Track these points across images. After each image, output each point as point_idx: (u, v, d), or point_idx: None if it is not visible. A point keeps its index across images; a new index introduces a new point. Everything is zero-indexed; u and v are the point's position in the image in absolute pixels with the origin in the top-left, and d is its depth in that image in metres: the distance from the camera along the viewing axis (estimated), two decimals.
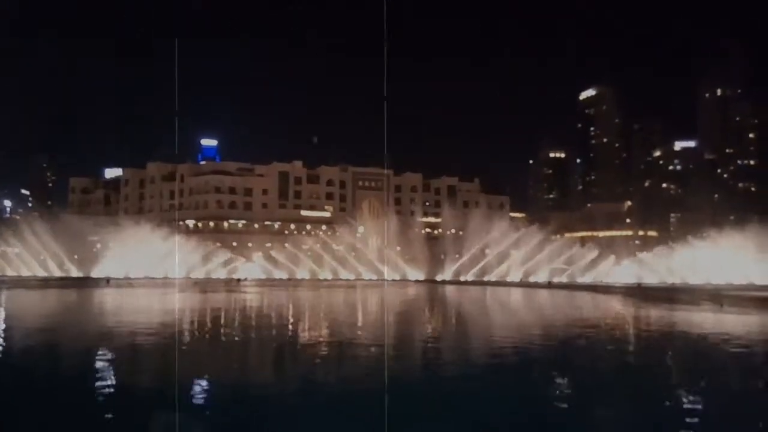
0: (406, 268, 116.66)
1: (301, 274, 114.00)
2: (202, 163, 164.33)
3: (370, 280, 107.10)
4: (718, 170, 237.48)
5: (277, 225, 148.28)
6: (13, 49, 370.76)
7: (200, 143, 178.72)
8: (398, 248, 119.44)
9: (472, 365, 17.24)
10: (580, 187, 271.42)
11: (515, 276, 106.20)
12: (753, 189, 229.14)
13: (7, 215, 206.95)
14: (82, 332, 23.85)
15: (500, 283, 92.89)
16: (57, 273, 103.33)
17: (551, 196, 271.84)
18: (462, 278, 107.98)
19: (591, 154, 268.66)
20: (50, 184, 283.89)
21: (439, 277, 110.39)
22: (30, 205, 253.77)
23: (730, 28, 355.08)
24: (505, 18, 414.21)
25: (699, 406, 13.06)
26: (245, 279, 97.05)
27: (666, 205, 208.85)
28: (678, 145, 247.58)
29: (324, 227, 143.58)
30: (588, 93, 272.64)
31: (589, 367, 17.67)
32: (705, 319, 33.39)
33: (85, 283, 75.72)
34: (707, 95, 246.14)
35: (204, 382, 14.79)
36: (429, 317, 36.25)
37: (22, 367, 16.76)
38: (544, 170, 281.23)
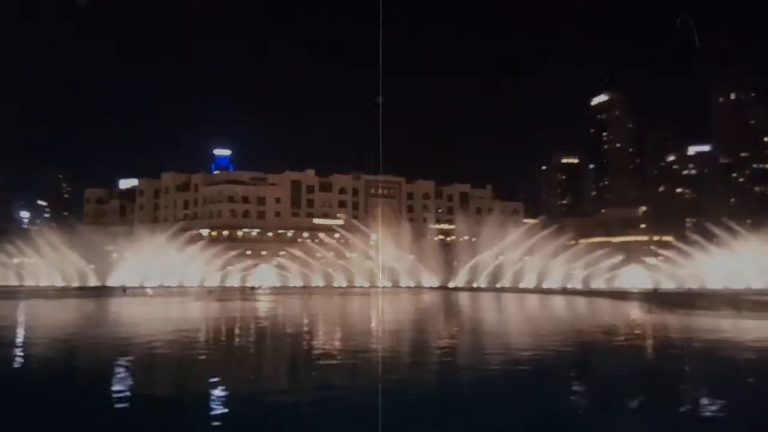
0: (420, 275, 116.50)
1: (316, 281, 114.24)
2: (216, 172, 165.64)
3: (385, 287, 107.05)
4: (734, 174, 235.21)
5: (290, 233, 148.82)
6: (27, 60, 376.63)
7: (213, 153, 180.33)
8: (412, 255, 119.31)
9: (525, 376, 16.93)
10: (594, 193, 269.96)
11: (529, 282, 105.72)
12: None
13: (25, 226, 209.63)
14: (122, 343, 24.04)
15: (514, 290, 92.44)
16: (74, 283, 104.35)
17: (565, 201, 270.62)
18: (474, 285, 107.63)
19: (604, 160, 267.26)
20: (66, 195, 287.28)
21: (451, 284, 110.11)
22: (47, 215, 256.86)
23: (745, 31, 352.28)
24: (518, 22, 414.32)
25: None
26: (259, 287, 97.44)
27: (681, 209, 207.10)
28: (692, 150, 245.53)
29: (337, 235, 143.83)
30: (600, 98, 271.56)
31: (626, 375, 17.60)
32: (723, 325, 33.06)
33: (102, 292, 76.43)
34: (721, 99, 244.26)
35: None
36: (459, 325, 36.18)
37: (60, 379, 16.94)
38: (558, 176, 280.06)
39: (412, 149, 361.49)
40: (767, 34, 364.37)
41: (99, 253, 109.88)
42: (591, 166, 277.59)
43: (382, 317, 40.56)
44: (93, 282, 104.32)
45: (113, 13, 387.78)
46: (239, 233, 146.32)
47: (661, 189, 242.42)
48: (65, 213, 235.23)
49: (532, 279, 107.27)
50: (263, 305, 50.07)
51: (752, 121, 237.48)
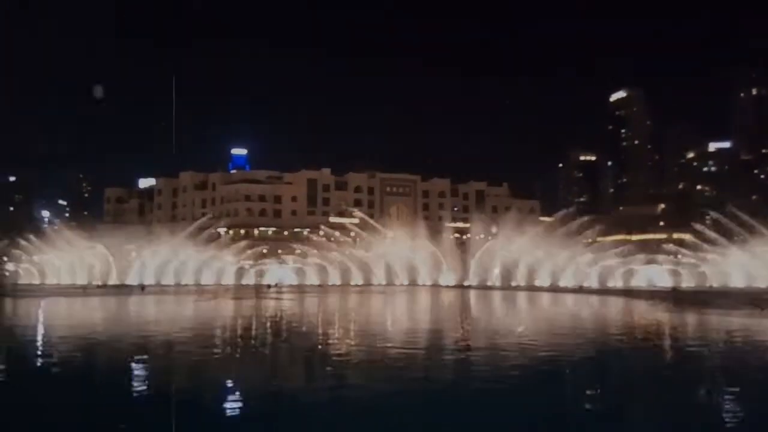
0: (437, 274, 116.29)
1: (333, 279, 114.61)
2: (233, 171, 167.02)
3: (402, 285, 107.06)
4: (755, 171, 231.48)
5: (306, 231, 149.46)
6: (46, 61, 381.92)
7: (231, 152, 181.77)
8: (429, 254, 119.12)
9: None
10: (612, 191, 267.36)
11: (544, 281, 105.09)
12: None
13: (45, 225, 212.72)
14: (152, 342, 24.35)
15: (530, 288, 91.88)
16: (95, 281, 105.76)
17: (582, 199, 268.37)
18: (489, 283, 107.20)
19: (622, 157, 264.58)
20: (86, 195, 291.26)
21: (466, 283, 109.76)
22: (67, 215, 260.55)
23: (766, 26, 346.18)
24: (535, 20, 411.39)
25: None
26: (275, 285, 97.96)
27: (701, 207, 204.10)
28: (712, 146, 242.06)
29: (353, 233, 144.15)
30: (618, 95, 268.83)
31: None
32: (744, 324, 32.61)
33: (121, 290, 77.39)
34: (743, 94, 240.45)
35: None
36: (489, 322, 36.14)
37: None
38: (575, 174, 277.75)
39: (428, 147, 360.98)
40: None
41: (119, 252, 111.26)
42: (609, 163, 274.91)
43: (414, 317, 40.59)
44: (112, 280, 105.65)
45: (133, 13, 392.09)
46: (256, 232, 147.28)
47: (680, 186, 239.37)
48: (85, 212, 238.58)
49: (548, 278, 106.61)
50: (284, 303, 50.32)
51: None
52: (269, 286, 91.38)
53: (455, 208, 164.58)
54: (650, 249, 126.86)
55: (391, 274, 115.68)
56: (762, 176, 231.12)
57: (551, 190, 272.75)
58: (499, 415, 11.77)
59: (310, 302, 53.18)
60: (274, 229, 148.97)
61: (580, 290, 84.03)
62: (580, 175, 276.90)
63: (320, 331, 29.47)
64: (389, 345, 22.57)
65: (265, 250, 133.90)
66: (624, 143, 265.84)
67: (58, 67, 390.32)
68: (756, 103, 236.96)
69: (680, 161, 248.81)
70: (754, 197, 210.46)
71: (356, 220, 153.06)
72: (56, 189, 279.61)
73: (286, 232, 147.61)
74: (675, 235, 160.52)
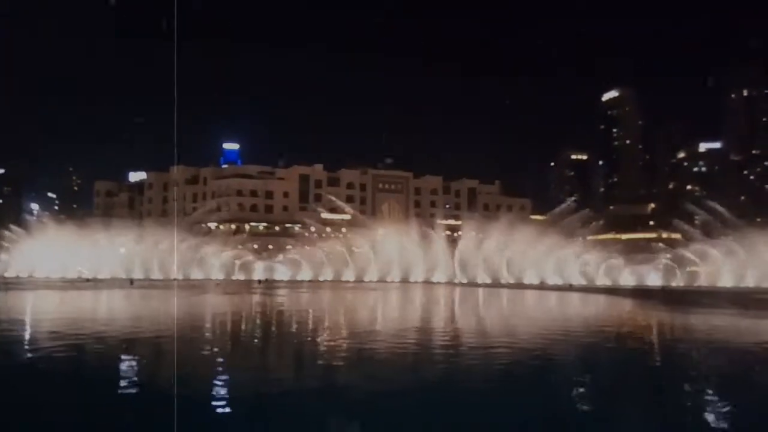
0: (429, 271, 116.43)
1: (325, 275, 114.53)
2: (225, 166, 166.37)
3: (393, 281, 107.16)
4: (745, 172, 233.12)
5: (297, 227, 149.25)
6: (35, 51, 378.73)
7: (222, 147, 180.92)
8: (420, 251, 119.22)
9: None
10: (603, 190, 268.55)
11: (533, 278, 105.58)
12: None
13: (34, 218, 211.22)
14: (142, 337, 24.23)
15: (519, 286, 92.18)
16: (84, 274, 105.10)
17: (573, 198, 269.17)
18: (479, 281, 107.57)
19: (613, 156, 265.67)
20: (76, 188, 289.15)
21: (456, 280, 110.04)
22: (56, 208, 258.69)
23: (758, 27, 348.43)
24: (527, 18, 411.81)
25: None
26: (266, 280, 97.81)
27: (690, 207, 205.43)
28: (703, 147, 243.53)
29: (344, 230, 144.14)
30: (610, 94, 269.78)
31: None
32: (728, 323, 32.88)
33: (110, 284, 76.98)
34: (733, 95, 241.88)
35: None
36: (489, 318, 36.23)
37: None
38: (566, 172, 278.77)
39: (420, 144, 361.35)
40: None
41: (108, 246, 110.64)
42: (600, 162, 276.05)
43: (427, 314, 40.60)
44: (102, 274, 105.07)
45: (124, 5, 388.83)
46: (247, 227, 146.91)
47: (670, 186, 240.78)
48: (74, 205, 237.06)
49: (537, 275, 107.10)
50: (272, 300, 50.21)
51: (765, 118, 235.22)
52: (259, 282, 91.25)
53: (447, 206, 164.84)
54: (640, 248, 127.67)
55: (382, 271, 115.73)
56: (751, 177, 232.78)
57: (543, 188, 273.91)
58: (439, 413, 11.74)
59: (300, 299, 53.11)
60: (265, 224, 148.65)
61: (569, 288, 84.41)
62: (572, 173, 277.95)
63: (306, 327, 29.45)
64: (356, 343, 22.48)
65: (256, 246, 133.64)
66: (615, 143, 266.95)
67: (50, 60, 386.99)
68: (746, 104, 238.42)
69: (671, 161, 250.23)
70: (742, 198, 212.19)
71: (348, 217, 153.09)
72: (46, 181, 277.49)
73: (277, 228, 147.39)
74: (664, 235, 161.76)
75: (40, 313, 35.73)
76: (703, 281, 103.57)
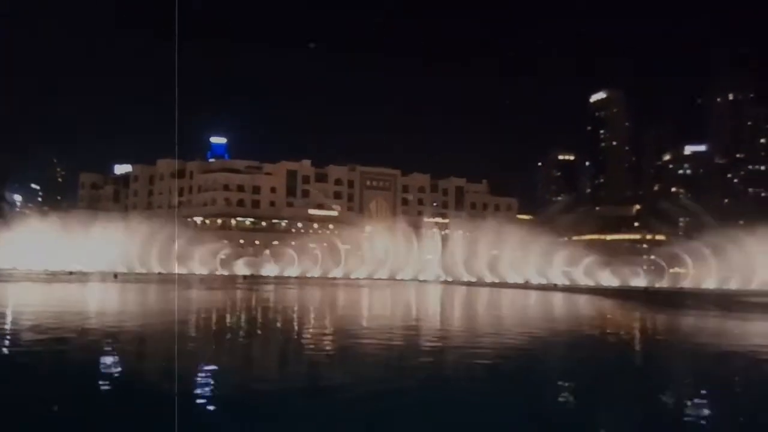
0: (416, 269, 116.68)
1: (311, 272, 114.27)
2: (211, 160, 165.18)
3: (381, 279, 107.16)
4: (729, 175, 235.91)
5: (284, 223, 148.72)
6: (23, 42, 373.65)
7: (210, 141, 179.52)
8: (409, 248, 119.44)
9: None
10: (589, 190, 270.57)
11: (517, 278, 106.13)
12: (763, 194, 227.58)
13: (18, 209, 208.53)
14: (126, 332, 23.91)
15: (505, 285, 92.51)
16: (67, 267, 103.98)
17: (559, 198, 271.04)
18: (465, 279, 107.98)
19: (600, 158, 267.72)
20: (60, 180, 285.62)
21: (442, 278, 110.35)
22: (40, 199, 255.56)
23: (744, 31, 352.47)
24: (517, 19, 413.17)
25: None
26: (251, 276, 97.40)
27: (675, 209, 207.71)
28: (688, 149, 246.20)
29: (331, 226, 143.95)
30: (598, 96, 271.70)
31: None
32: (708, 325, 33.20)
33: (94, 277, 76.18)
34: (719, 99, 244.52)
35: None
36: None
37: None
38: (553, 173, 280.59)
39: (408, 142, 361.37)
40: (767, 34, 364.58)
41: (92, 239, 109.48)
42: (587, 163, 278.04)
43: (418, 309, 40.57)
44: (85, 267, 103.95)
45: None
46: (233, 222, 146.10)
47: (656, 188, 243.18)
48: (59, 197, 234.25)
49: (522, 275, 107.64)
50: (255, 296, 49.95)
51: (749, 122, 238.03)
52: (244, 278, 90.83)
53: (435, 204, 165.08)
54: (624, 249, 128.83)
55: (370, 268, 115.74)
56: (735, 180, 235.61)
57: (530, 188, 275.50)
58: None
59: (284, 295, 52.87)
60: (252, 219, 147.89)
61: (553, 288, 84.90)
62: (559, 174, 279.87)
63: (288, 326, 29.32)
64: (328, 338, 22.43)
65: (242, 241, 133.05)
66: (602, 144, 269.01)
67: (35, 51, 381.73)
68: (732, 108, 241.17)
69: (656, 163, 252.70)
70: (726, 201, 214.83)
71: (335, 213, 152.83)
72: (29, 172, 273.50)
73: (264, 223, 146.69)
74: (649, 236, 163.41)
75: (21, 305, 35.22)
76: (686, 283, 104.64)
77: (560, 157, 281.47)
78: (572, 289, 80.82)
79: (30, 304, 36.26)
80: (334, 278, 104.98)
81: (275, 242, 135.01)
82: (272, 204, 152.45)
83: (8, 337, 20.49)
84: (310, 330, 26.02)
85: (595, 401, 13.29)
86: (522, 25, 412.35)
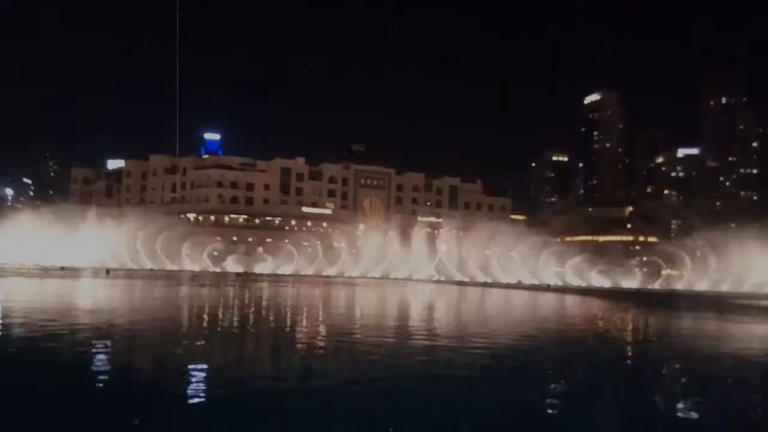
0: (409, 267, 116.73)
1: (304, 270, 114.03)
2: (205, 156, 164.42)
3: (374, 277, 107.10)
4: (721, 178, 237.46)
5: (278, 221, 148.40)
6: (16, 35, 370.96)
7: (203, 137, 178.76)
8: (401, 247, 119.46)
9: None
10: (582, 192, 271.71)
11: (510, 278, 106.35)
12: (755, 198, 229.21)
13: (9, 204, 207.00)
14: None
15: (497, 285, 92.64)
16: (59, 263, 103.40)
17: (553, 199, 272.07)
18: (458, 279, 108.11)
19: (594, 159, 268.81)
20: (52, 174, 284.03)
21: (435, 277, 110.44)
22: (32, 194, 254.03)
23: (737, 35, 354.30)
24: (511, 20, 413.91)
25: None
26: (244, 273, 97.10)
27: (667, 211, 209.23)
28: (681, 152, 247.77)
29: (325, 224, 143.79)
30: (592, 97, 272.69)
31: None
32: (705, 327, 33.33)
33: (85, 273, 75.73)
34: (712, 103, 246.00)
35: None
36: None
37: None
38: (547, 173, 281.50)
39: (403, 141, 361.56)
40: (761, 38, 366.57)
41: (85, 234, 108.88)
42: (580, 164, 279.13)
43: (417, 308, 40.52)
44: (77, 262, 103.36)
45: None
46: (226, 219, 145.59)
47: (648, 190, 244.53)
48: (50, 192, 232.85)
49: (515, 275, 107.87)
50: (252, 293, 49.77)
51: (742, 126, 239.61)
52: (237, 275, 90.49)
53: (428, 203, 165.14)
54: (617, 250, 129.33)
55: (363, 267, 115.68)
56: (727, 183, 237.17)
57: (523, 188, 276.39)
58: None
59: (277, 293, 52.74)
60: (245, 216, 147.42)
61: (546, 288, 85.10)
62: (552, 174, 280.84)
63: (280, 323, 29.23)
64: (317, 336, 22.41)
65: (235, 238, 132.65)
66: (596, 145, 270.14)
67: (29, 44, 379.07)
68: (724, 112, 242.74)
69: (649, 165, 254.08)
70: (718, 203, 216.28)
71: (329, 211, 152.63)
72: (21, 167, 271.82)
73: (257, 221, 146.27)
74: (641, 238, 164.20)
75: (8, 300, 34.92)
76: (679, 285, 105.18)
77: (554, 158, 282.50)
78: (564, 290, 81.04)
79: (26, 299, 35.96)
80: (327, 276, 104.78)
81: (268, 240, 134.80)
82: (266, 201, 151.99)
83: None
84: (304, 328, 25.93)
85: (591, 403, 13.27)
86: (517, 24, 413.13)
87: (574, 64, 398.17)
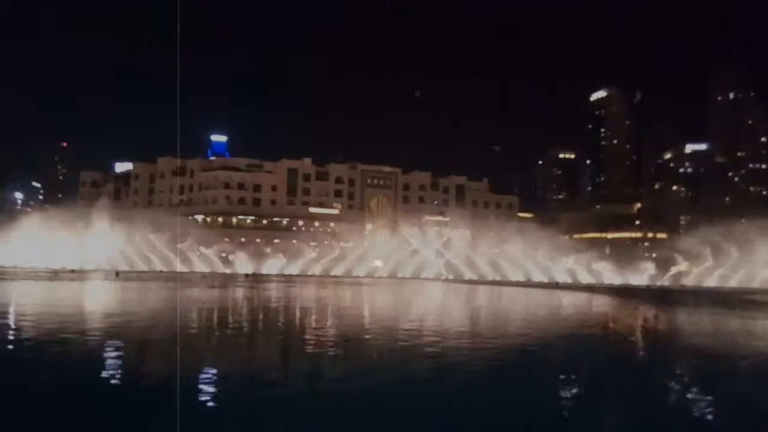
0: (416, 266, 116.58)
1: (312, 270, 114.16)
2: (212, 158, 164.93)
3: (382, 277, 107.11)
4: (730, 173, 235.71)
5: (285, 221, 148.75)
6: (24, 40, 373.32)
7: (210, 139, 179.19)
8: (407, 247, 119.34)
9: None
10: (590, 189, 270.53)
11: (519, 276, 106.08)
12: (764, 192, 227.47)
13: (18, 207, 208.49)
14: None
15: (506, 283, 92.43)
16: (68, 266, 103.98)
17: (560, 197, 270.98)
18: (466, 277, 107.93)
19: (601, 156, 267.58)
20: (61, 178, 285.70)
21: (443, 277, 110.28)
22: (41, 197, 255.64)
23: (744, 29, 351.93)
24: (511, 20, 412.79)
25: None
26: (253, 274, 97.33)
27: (676, 207, 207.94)
28: (689, 148, 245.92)
29: (332, 224, 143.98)
30: (598, 94, 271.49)
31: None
32: (719, 323, 33.16)
33: (95, 275, 76.15)
34: (719, 98, 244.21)
35: None
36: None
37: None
38: (554, 171, 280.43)
39: (410, 140, 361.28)
40: (763, 37, 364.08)
41: (94, 236, 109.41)
42: (587, 161, 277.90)
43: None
44: (87, 265, 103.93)
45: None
46: (234, 220, 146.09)
47: (656, 186, 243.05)
48: (59, 195, 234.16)
49: (524, 273, 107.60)
50: (265, 293, 49.92)
51: (750, 121, 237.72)
52: (246, 276, 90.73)
53: (435, 202, 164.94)
54: (626, 247, 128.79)
55: (370, 266, 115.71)
56: (736, 179, 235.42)
57: (530, 186, 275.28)
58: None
59: (290, 293, 52.86)
60: (252, 218, 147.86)
61: (555, 286, 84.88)
62: (559, 172, 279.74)
63: (297, 321, 29.32)
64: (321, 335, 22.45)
65: (243, 239, 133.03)
66: (603, 142, 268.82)
67: (35, 47, 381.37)
68: (732, 107, 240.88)
69: (657, 161, 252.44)
70: (727, 199, 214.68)
71: (336, 211, 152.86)
72: (30, 170, 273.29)
73: (265, 222, 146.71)
74: (650, 234, 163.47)
75: (23, 304, 35.18)
76: (688, 281, 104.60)
77: (561, 156, 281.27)
78: (573, 287, 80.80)
79: (43, 303, 36.21)
80: (335, 276, 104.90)
81: (276, 240, 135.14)
82: (273, 202, 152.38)
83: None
84: (325, 329, 25.99)
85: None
86: (517, 24, 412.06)
87: (574, 64, 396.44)
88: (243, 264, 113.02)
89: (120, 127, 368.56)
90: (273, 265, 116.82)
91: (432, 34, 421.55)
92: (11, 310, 29.91)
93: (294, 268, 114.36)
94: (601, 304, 48.02)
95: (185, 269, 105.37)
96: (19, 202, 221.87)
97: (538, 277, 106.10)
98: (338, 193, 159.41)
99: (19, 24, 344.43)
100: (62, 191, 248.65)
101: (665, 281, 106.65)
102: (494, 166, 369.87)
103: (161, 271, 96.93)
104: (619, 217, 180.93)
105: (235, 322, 27.62)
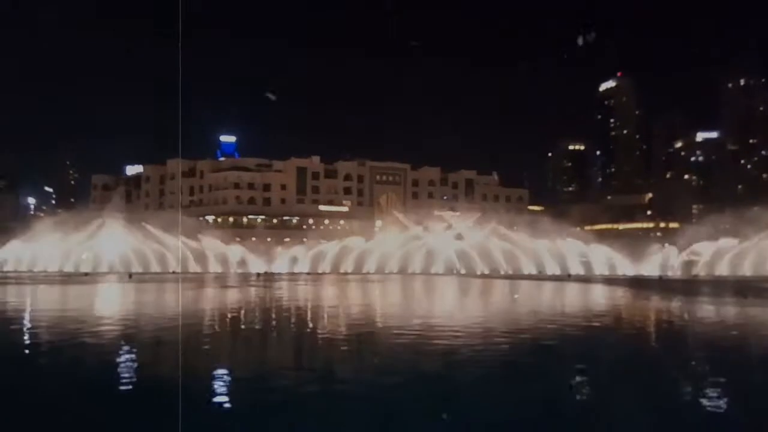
0: (427, 262, 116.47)
1: (323, 267, 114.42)
2: (221, 159, 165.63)
3: (392, 273, 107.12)
4: (742, 161, 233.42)
5: (295, 220, 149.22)
6: (32, 46, 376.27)
7: (219, 139, 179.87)
8: (419, 242, 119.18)
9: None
10: (600, 180, 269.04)
11: (531, 269, 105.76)
12: None
13: (31, 212, 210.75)
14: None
15: (517, 277, 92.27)
16: (81, 268, 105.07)
17: (571, 188, 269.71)
18: (478, 272, 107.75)
19: (611, 146, 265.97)
20: (73, 182, 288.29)
21: (454, 271, 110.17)
22: (53, 202, 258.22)
23: (754, 16, 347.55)
24: (511, 20, 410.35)
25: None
26: (265, 273, 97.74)
27: (688, 196, 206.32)
28: (700, 136, 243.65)
29: (342, 222, 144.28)
30: (608, 84, 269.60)
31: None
32: (727, 312, 32.97)
33: (108, 277, 76.84)
34: (730, 85, 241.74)
35: None
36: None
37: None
38: (564, 163, 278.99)
39: (417, 135, 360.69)
40: (764, 37, 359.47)
41: (106, 239, 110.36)
42: (597, 152, 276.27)
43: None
44: (100, 268, 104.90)
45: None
46: (244, 220, 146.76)
47: (668, 176, 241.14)
48: (72, 199, 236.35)
49: (536, 266, 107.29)
50: (272, 293, 50.17)
51: (761, 108, 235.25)
52: (258, 275, 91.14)
53: (445, 197, 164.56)
54: (637, 238, 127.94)
55: (381, 263, 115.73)
56: (748, 166, 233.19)
57: (540, 179, 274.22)
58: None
59: (304, 292, 53.09)
60: (263, 217, 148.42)
61: (567, 278, 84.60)
62: (569, 164, 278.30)
63: (312, 321, 29.51)
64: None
65: (254, 238, 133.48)
66: (612, 133, 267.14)
67: (45, 52, 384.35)
68: (743, 94, 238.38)
69: (668, 151, 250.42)
70: (739, 187, 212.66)
71: (346, 209, 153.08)
72: (42, 175, 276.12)
73: (275, 221, 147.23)
74: (662, 224, 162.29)
75: (40, 308, 35.63)
76: (700, 271, 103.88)
77: (570, 147, 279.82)
78: (587, 280, 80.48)
79: (67, 307, 36.63)
80: (346, 273, 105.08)
81: (287, 239, 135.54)
82: (283, 201, 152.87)
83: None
84: (349, 327, 26.14)
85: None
86: (517, 24, 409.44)
87: (574, 64, 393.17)
88: (254, 263, 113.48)
89: (129, 130, 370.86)
90: (284, 264, 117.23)
91: (428, 35, 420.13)
92: (45, 315, 30.31)
93: (304, 267, 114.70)
94: (623, 296, 47.74)
95: (198, 270, 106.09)
96: (32, 207, 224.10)
97: (550, 270, 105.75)
98: (347, 191, 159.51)
99: (19, 24, 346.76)
100: (74, 195, 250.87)
101: (678, 272, 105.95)
102: (499, 163, 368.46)
103: (173, 272, 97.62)
104: (630, 208, 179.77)
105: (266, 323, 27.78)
